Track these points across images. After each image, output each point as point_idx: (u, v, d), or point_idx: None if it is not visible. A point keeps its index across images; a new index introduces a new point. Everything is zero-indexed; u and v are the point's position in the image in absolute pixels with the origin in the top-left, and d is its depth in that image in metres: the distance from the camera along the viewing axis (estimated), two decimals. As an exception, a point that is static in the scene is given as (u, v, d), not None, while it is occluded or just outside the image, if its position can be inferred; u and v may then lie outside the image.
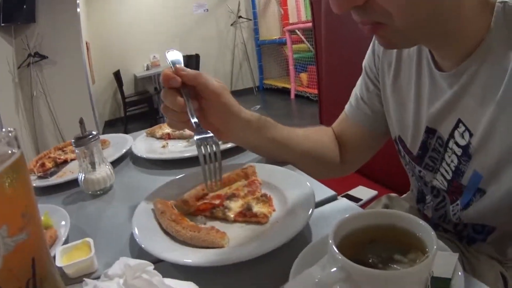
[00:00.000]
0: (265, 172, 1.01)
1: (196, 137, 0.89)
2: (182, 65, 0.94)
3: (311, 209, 0.80)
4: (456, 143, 0.89)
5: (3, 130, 0.48)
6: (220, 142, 1.24)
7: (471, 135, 0.85)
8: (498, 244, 0.94)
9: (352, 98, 1.21)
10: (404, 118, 1.03)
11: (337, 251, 0.50)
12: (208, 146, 0.87)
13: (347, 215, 0.57)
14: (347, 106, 1.23)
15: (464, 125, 0.86)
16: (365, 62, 1.17)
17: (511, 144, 0.78)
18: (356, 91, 1.20)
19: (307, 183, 0.91)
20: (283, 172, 1.00)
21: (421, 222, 0.54)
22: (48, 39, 6.55)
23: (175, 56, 0.95)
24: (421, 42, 0.88)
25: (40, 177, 1.29)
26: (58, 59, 6.68)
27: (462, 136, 0.87)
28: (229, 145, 1.23)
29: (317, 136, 1.19)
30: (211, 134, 0.89)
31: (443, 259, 0.58)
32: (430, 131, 0.96)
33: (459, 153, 0.89)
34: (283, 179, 0.96)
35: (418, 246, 0.53)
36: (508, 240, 0.93)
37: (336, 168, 1.22)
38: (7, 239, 0.44)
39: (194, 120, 0.90)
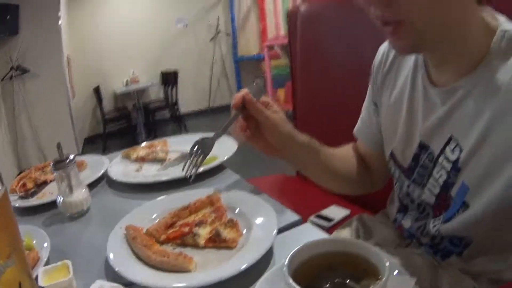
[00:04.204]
0: (229, 198, 1.05)
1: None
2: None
3: (273, 235, 0.85)
4: (447, 159, 0.91)
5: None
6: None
7: (461, 150, 0.88)
8: (470, 258, 0.96)
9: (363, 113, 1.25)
10: (396, 131, 1.06)
11: (291, 280, 0.54)
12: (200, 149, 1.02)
13: (304, 243, 0.62)
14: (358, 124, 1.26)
15: (456, 140, 0.89)
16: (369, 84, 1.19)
17: (499, 156, 0.81)
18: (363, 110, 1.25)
19: (270, 207, 0.96)
20: (247, 198, 1.05)
21: (374, 249, 0.59)
22: (30, 52, 6.45)
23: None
24: (432, 49, 0.90)
25: (21, 197, 1.33)
26: (40, 72, 6.58)
27: (453, 151, 0.90)
28: (201, 169, 1.23)
29: (350, 162, 1.22)
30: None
31: (400, 283, 0.62)
32: (423, 147, 0.99)
33: (448, 168, 0.91)
34: (247, 204, 1.01)
35: (372, 272, 0.56)
36: (480, 253, 0.95)
37: (367, 186, 1.26)
38: None
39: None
